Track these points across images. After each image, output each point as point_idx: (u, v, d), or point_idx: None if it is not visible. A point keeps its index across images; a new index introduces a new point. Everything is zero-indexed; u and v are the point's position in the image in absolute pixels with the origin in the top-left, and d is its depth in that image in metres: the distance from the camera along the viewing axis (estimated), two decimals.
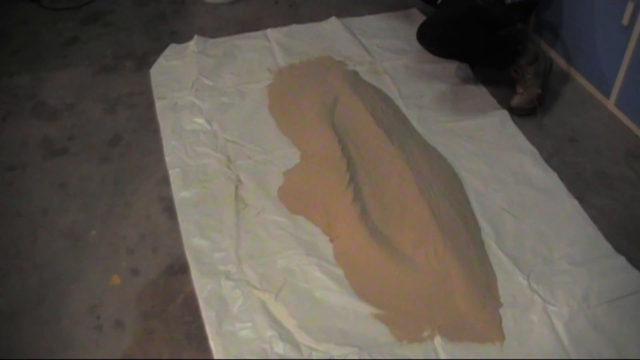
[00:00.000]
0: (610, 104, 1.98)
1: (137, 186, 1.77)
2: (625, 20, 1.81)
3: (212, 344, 1.34)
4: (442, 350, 1.32)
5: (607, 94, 1.99)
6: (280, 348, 1.32)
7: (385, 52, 2.26)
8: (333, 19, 2.44)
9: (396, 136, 1.83)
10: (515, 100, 1.95)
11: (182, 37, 2.39)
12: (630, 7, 1.78)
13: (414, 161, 1.75)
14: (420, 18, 2.44)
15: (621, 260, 1.48)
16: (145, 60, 2.28)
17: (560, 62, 2.19)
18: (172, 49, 2.30)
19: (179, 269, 1.52)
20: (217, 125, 1.94)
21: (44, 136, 1.97)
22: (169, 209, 1.68)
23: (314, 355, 1.31)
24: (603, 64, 1.97)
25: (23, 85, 2.20)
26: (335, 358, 1.30)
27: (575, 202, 1.64)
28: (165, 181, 1.76)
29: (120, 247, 1.59)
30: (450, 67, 2.17)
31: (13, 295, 1.49)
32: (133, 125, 2.00)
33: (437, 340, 1.33)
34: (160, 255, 1.56)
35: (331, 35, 2.36)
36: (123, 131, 1.97)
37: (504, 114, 1.95)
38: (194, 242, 1.56)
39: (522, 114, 1.94)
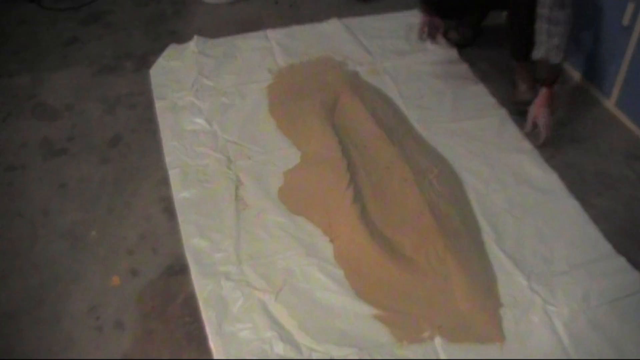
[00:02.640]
0: (610, 104, 1.98)
1: (137, 186, 1.77)
2: (625, 20, 1.81)
3: (212, 344, 1.34)
4: (442, 350, 1.31)
5: (607, 94, 1.98)
6: (280, 348, 1.32)
7: (385, 52, 2.25)
8: (334, 19, 2.44)
9: (396, 136, 1.83)
10: (522, 96, 1.96)
11: (182, 37, 2.39)
12: (630, 7, 1.78)
13: (414, 161, 1.74)
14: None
15: (621, 260, 1.48)
16: (145, 60, 2.28)
17: None
18: (172, 49, 2.30)
19: (179, 269, 1.52)
20: (217, 125, 1.94)
21: (44, 136, 1.97)
22: (169, 209, 1.68)
23: (314, 356, 1.31)
24: (603, 64, 1.97)
25: (23, 85, 2.20)
26: (335, 358, 1.30)
27: (576, 203, 1.64)
28: (165, 181, 1.76)
29: (120, 248, 1.59)
30: (451, 67, 2.17)
31: (13, 295, 1.49)
32: (133, 126, 2.00)
33: (437, 340, 1.33)
34: (160, 256, 1.56)
35: (331, 35, 2.36)
36: (123, 131, 1.97)
37: (504, 114, 1.95)
38: (194, 243, 1.56)
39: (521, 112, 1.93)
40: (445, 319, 1.37)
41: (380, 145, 1.79)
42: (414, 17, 2.46)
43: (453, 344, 1.32)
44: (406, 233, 1.54)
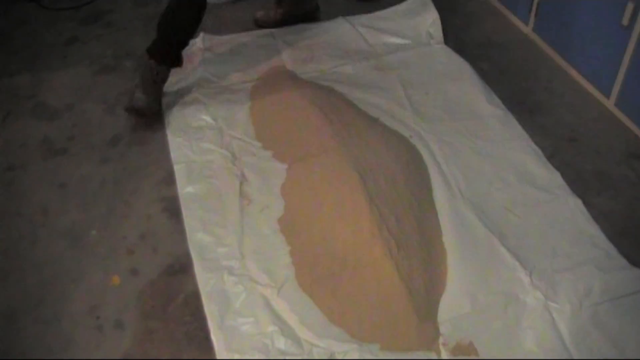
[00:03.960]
0: (610, 104, 1.98)
1: (137, 186, 1.77)
2: (625, 20, 1.81)
3: (214, 338, 1.34)
4: (445, 350, 1.31)
5: (607, 94, 1.99)
6: (281, 343, 1.32)
7: (390, 48, 2.24)
8: (339, 18, 2.43)
9: (351, 133, 1.80)
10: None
11: None
12: (630, 7, 1.78)
13: (372, 159, 1.72)
14: (429, 9, 2.40)
15: (623, 260, 1.48)
16: None
17: (560, 61, 2.19)
18: None
19: (179, 269, 1.52)
20: (223, 122, 1.93)
21: (44, 136, 1.97)
22: (169, 209, 1.68)
23: (315, 351, 1.30)
24: (603, 64, 1.97)
25: (23, 85, 2.20)
26: (336, 354, 1.30)
27: (579, 201, 1.63)
28: (165, 181, 1.76)
29: (120, 247, 1.59)
30: (454, 67, 2.17)
31: (13, 295, 1.48)
32: (133, 125, 1.99)
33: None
34: (160, 255, 1.56)
35: (337, 33, 2.35)
36: (123, 131, 1.97)
37: (508, 114, 1.94)
38: (198, 237, 1.56)
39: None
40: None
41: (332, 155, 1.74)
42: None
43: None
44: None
